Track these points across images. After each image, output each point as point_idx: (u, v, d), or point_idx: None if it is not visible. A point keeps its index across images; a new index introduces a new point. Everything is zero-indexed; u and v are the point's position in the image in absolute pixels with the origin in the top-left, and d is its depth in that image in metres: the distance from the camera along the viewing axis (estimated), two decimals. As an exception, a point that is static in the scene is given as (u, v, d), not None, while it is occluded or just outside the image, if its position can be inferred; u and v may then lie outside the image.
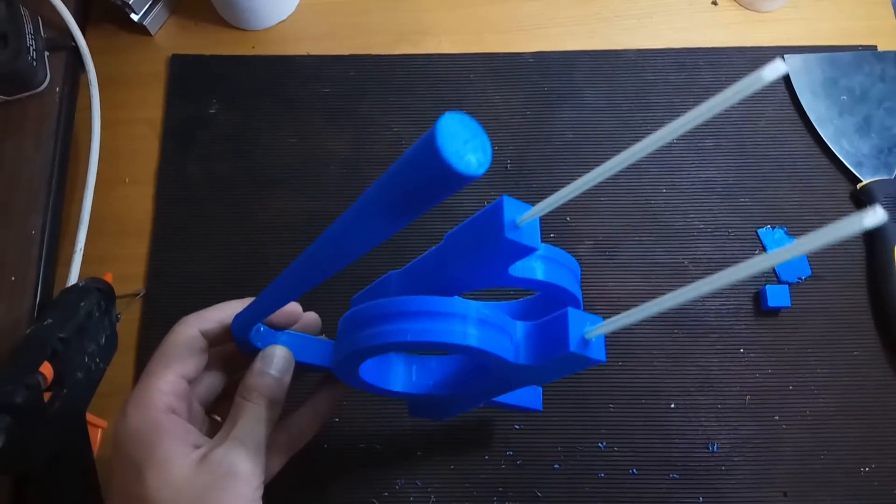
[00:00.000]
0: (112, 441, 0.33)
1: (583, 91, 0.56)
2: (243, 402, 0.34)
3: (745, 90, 0.20)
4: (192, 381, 0.36)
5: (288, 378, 0.36)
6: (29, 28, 0.53)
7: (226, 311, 0.37)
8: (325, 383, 0.40)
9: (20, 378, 0.39)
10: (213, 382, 0.39)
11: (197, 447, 0.32)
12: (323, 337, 0.39)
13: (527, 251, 0.28)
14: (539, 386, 0.45)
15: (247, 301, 0.37)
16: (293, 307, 0.39)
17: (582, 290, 0.51)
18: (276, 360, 0.36)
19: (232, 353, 0.38)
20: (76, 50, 0.56)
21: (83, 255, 0.51)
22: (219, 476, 0.31)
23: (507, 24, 0.59)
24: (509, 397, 0.42)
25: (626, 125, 0.55)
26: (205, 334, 0.36)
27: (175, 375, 0.34)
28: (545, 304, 0.38)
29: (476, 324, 0.28)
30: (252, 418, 0.33)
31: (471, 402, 0.39)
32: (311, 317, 0.41)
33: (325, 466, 0.47)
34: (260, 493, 0.32)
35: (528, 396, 0.44)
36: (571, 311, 0.28)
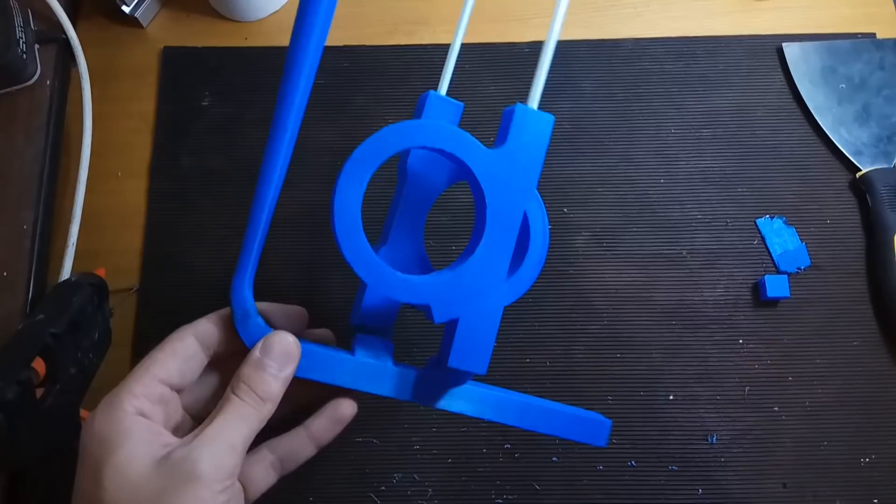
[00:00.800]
0: (80, 445, 0.32)
1: (580, 81, 0.56)
2: (229, 394, 0.32)
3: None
4: (180, 389, 0.34)
5: (288, 372, 0.33)
6: (19, 20, 0.52)
7: (220, 316, 0.35)
8: (329, 406, 0.38)
9: (11, 374, 0.38)
10: (208, 391, 0.37)
11: (166, 447, 0.30)
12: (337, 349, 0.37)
13: None
14: None
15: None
16: (296, 308, 0.38)
17: (580, 281, 0.51)
18: (277, 349, 0.33)
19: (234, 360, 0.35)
20: (67, 42, 0.55)
21: (76, 250, 0.51)
22: (177, 476, 0.29)
23: (502, 14, 0.59)
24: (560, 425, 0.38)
25: (624, 115, 0.55)
26: (200, 338, 0.35)
27: (152, 379, 0.32)
28: None
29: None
30: (233, 415, 0.31)
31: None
32: (325, 333, 0.39)
33: (322, 460, 0.47)
34: (225, 497, 0.30)
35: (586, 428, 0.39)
36: None
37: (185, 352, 0.34)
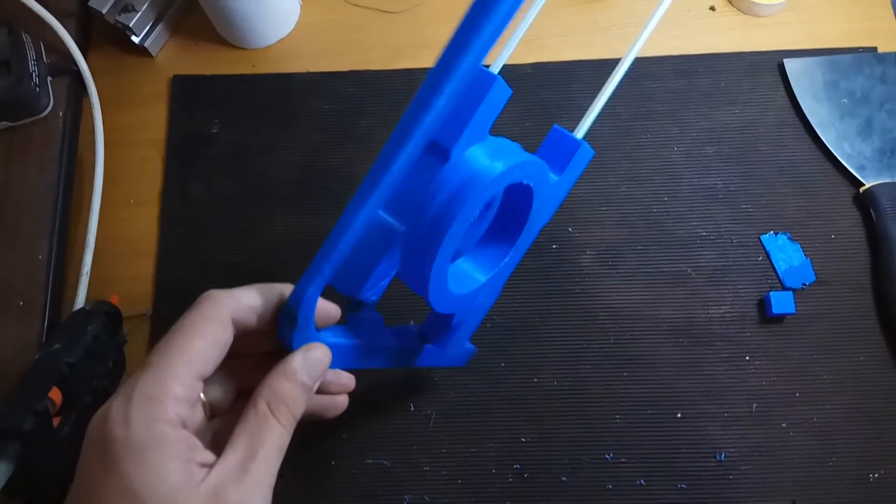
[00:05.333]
0: (95, 441, 0.27)
1: (582, 101, 0.56)
2: (269, 418, 0.29)
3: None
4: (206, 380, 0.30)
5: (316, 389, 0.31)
6: (31, 54, 0.53)
7: (261, 296, 0.31)
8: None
9: (29, 405, 0.39)
10: (223, 385, 0.33)
11: (203, 466, 0.27)
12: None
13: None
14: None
15: (286, 286, 0.32)
16: (332, 306, 0.35)
17: (586, 300, 0.51)
18: (316, 366, 0.30)
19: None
20: (78, 74, 0.56)
21: (90, 277, 0.52)
22: None
23: (504, 36, 0.59)
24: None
25: (627, 134, 0.55)
26: (237, 322, 0.30)
27: (194, 377, 0.28)
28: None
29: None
30: (276, 446, 0.29)
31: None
32: (332, 309, 0.36)
33: (333, 482, 0.48)
34: None
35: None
36: None
37: (225, 336, 0.30)
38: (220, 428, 0.32)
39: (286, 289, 0.33)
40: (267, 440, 0.29)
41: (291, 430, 0.30)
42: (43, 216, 0.52)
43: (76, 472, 0.28)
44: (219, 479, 0.27)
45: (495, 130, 0.52)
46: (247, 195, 0.55)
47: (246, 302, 0.31)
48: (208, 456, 0.28)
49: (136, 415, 0.26)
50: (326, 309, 0.35)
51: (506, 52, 0.39)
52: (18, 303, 0.50)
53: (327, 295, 0.33)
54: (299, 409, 0.30)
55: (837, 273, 0.51)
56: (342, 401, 0.37)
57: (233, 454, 0.28)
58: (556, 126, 0.38)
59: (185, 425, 0.28)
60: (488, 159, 0.31)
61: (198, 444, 0.28)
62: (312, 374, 0.31)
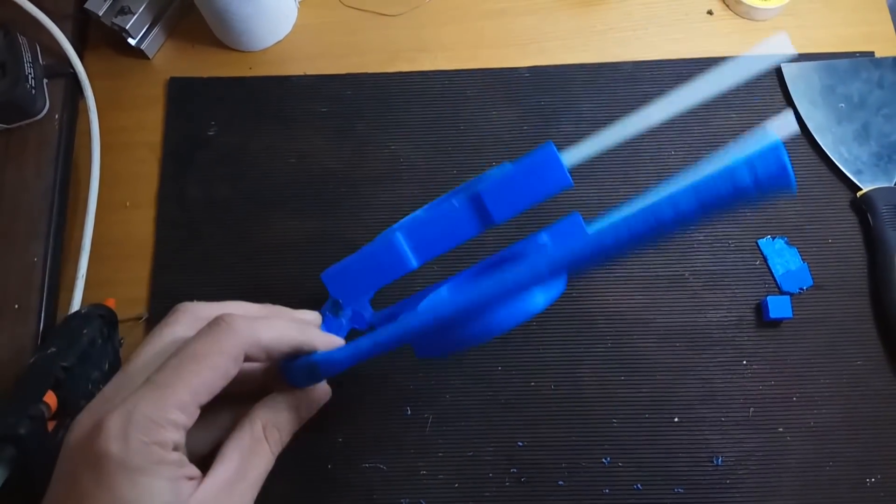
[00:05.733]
0: (86, 451, 0.26)
1: (580, 105, 0.57)
2: (263, 442, 0.30)
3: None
4: None
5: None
6: (27, 56, 0.53)
7: (280, 338, 0.30)
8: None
9: (24, 409, 0.39)
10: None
11: (190, 480, 0.27)
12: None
13: None
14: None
15: (309, 324, 0.33)
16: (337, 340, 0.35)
17: (583, 304, 0.51)
18: (318, 402, 0.32)
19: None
20: (75, 76, 0.56)
21: (86, 280, 0.52)
22: None
23: (502, 40, 0.59)
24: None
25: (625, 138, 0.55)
26: (249, 355, 0.29)
27: (196, 404, 0.28)
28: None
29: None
30: (264, 471, 0.29)
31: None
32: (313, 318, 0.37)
33: (329, 486, 0.48)
34: None
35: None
36: None
37: (232, 374, 0.29)
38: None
39: (307, 332, 0.32)
40: (259, 464, 0.29)
41: (278, 451, 0.31)
42: (38, 219, 0.52)
43: (57, 473, 0.28)
44: (207, 495, 0.27)
45: (493, 136, 0.53)
46: (243, 198, 0.55)
47: (265, 340, 0.30)
48: (194, 470, 0.28)
49: (136, 436, 0.26)
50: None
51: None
52: (13, 306, 0.50)
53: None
54: (287, 439, 0.31)
55: (834, 277, 0.51)
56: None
57: (223, 471, 0.29)
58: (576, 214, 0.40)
59: (178, 448, 0.28)
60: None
61: (185, 460, 0.28)
62: (311, 410, 0.32)
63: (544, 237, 0.41)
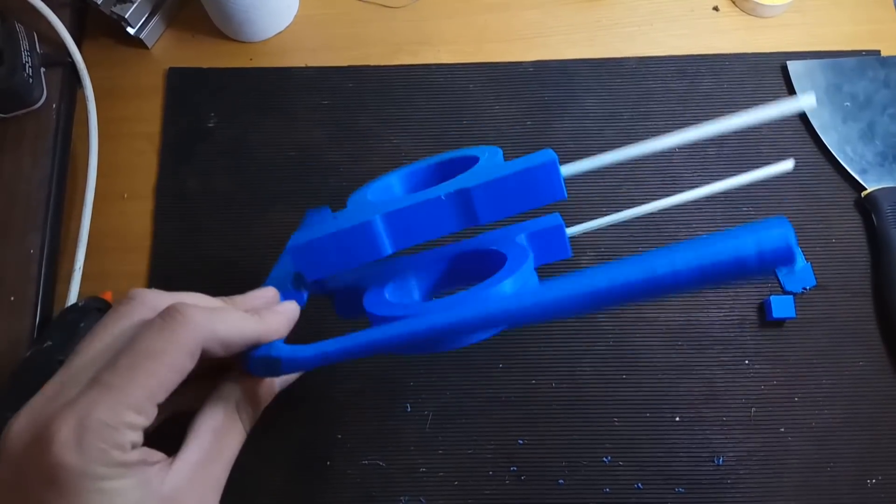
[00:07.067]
0: (38, 463, 0.24)
1: (583, 100, 0.56)
2: (237, 421, 0.29)
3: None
4: None
5: None
6: (24, 44, 0.52)
7: (238, 330, 0.29)
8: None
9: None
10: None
11: (156, 464, 0.26)
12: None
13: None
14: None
15: (269, 305, 0.32)
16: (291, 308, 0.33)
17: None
18: (291, 377, 0.32)
19: None
20: (72, 65, 0.55)
21: (83, 273, 0.51)
22: None
23: (506, 33, 0.59)
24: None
25: (628, 134, 0.55)
26: (203, 350, 0.27)
27: (153, 403, 0.26)
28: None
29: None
30: (236, 449, 0.29)
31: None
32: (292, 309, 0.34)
33: (329, 483, 0.47)
34: None
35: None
36: None
37: (189, 368, 0.27)
38: None
39: (267, 320, 0.31)
40: (233, 443, 0.28)
41: (249, 429, 0.30)
42: (35, 210, 0.51)
43: (6, 488, 0.25)
44: (181, 478, 0.26)
45: (496, 130, 0.52)
46: (243, 190, 0.54)
47: (222, 335, 0.28)
48: (158, 454, 0.27)
49: (93, 444, 0.24)
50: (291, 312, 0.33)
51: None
52: (9, 298, 0.49)
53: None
54: (259, 414, 0.30)
55: (838, 277, 0.51)
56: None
57: (196, 451, 0.27)
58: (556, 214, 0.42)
59: (135, 445, 0.26)
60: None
61: (147, 451, 0.26)
62: (285, 382, 0.32)
63: (522, 237, 0.40)
